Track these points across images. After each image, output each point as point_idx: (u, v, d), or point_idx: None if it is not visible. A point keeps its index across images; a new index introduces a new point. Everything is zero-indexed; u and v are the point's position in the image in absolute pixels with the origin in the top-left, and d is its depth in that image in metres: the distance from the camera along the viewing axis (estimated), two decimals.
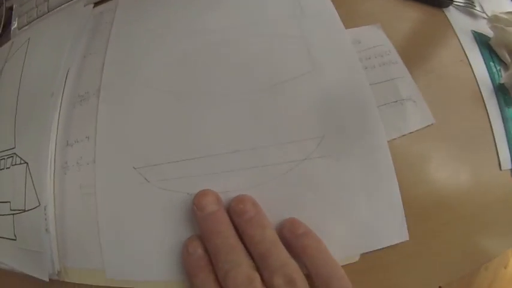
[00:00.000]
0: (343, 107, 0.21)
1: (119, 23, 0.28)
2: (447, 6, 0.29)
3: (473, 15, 0.30)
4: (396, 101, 0.22)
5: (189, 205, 0.19)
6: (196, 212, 0.18)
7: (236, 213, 0.17)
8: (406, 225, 0.19)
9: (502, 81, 0.25)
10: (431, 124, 0.22)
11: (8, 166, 0.23)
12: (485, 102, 0.24)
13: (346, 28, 0.25)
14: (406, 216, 0.20)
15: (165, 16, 0.27)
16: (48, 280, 0.20)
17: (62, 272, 0.20)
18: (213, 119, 0.22)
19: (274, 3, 0.26)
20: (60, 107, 0.25)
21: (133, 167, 0.21)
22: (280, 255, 0.16)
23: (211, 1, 0.27)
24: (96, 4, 0.31)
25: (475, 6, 0.30)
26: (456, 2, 0.29)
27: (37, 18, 0.32)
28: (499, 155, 0.23)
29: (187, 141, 0.21)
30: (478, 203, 0.21)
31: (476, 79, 0.25)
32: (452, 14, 0.29)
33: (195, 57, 0.24)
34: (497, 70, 0.27)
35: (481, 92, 0.25)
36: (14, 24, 0.34)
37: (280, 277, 0.15)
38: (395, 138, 0.21)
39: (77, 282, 0.20)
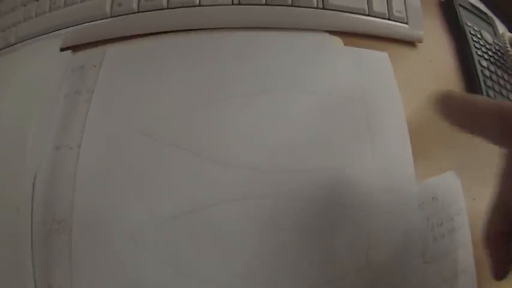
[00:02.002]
0: None
1: (99, 101, 0.19)
2: None
3: None
4: (451, 278, 0.20)
5: None
6: None
7: None
8: None
9: None
10: None
11: None
12: None
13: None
14: None
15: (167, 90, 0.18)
16: None
17: None
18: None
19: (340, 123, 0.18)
20: (32, 230, 0.17)
21: None
22: None
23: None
24: (76, 48, 0.21)
25: None
26: None
27: (1, 49, 0.23)
28: None
29: None
30: None
31: None
32: None
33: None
34: None
35: None
36: None
37: None
38: None
39: None
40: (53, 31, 0.24)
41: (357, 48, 0.19)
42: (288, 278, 0.16)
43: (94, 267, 0.17)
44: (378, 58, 0.19)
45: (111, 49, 0.21)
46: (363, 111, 0.17)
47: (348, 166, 0.17)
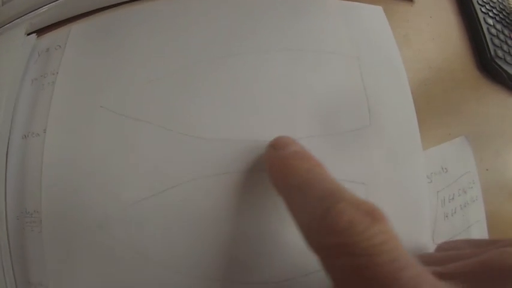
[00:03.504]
0: None
1: (63, 82, 0.17)
2: None
3: None
4: None
5: None
6: None
7: None
8: None
9: None
10: None
11: None
12: None
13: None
14: None
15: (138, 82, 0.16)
16: None
17: None
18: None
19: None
20: (7, 225, 0.16)
21: None
22: None
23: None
24: (42, 31, 0.19)
25: None
26: None
27: None
28: None
29: None
30: None
31: None
32: None
33: None
34: None
35: None
36: None
37: None
38: None
39: None
40: (20, 17, 0.22)
41: (347, 2, 0.17)
42: (267, 256, 0.14)
43: (67, 260, 0.15)
44: (372, 13, 0.17)
45: (76, 27, 0.19)
46: (357, 70, 0.15)
47: (342, 133, 0.15)
